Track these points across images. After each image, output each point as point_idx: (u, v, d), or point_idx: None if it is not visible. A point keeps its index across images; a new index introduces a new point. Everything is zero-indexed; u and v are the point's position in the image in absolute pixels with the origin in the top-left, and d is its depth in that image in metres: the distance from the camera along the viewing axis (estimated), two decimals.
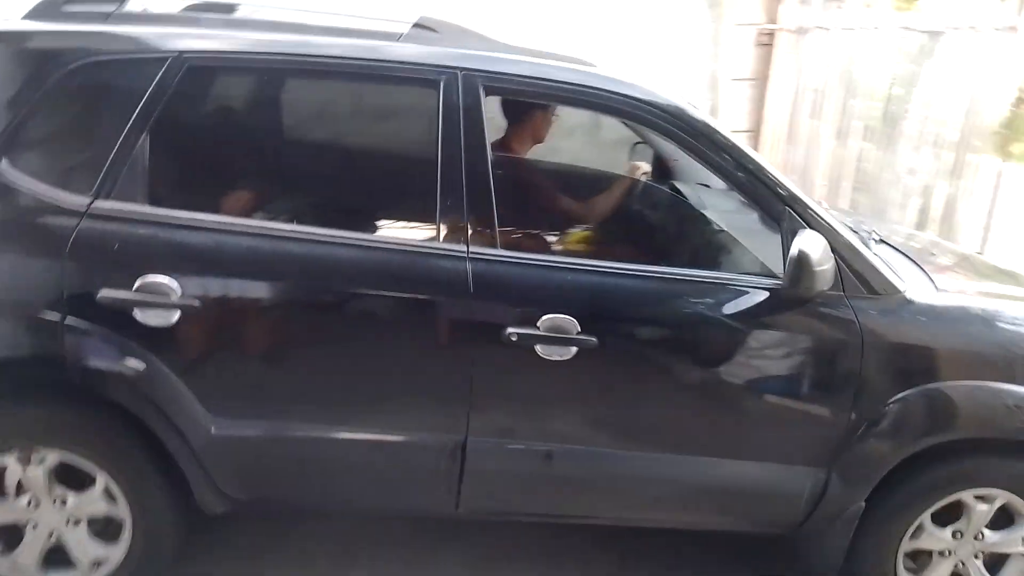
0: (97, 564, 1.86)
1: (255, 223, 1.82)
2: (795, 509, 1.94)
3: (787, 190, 1.88)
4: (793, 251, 1.69)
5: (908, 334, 1.86)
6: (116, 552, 1.86)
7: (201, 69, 1.81)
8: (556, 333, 1.73)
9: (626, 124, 2.24)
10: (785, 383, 1.90)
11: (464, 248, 1.77)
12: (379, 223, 1.99)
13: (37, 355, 1.76)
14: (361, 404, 1.86)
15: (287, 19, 2.00)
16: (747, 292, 1.84)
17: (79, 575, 1.86)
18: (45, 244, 1.72)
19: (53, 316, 1.68)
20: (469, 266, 1.76)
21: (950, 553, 1.98)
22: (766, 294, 1.83)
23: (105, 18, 1.83)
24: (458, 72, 1.80)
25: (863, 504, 1.91)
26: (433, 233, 1.81)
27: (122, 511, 1.83)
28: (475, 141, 1.80)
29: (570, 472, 1.89)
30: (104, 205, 1.72)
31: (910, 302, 1.85)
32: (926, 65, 3.71)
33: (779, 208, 1.84)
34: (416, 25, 1.93)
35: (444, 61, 1.82)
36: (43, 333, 1.71)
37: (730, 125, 3.74)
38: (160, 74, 1.75)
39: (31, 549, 1.83)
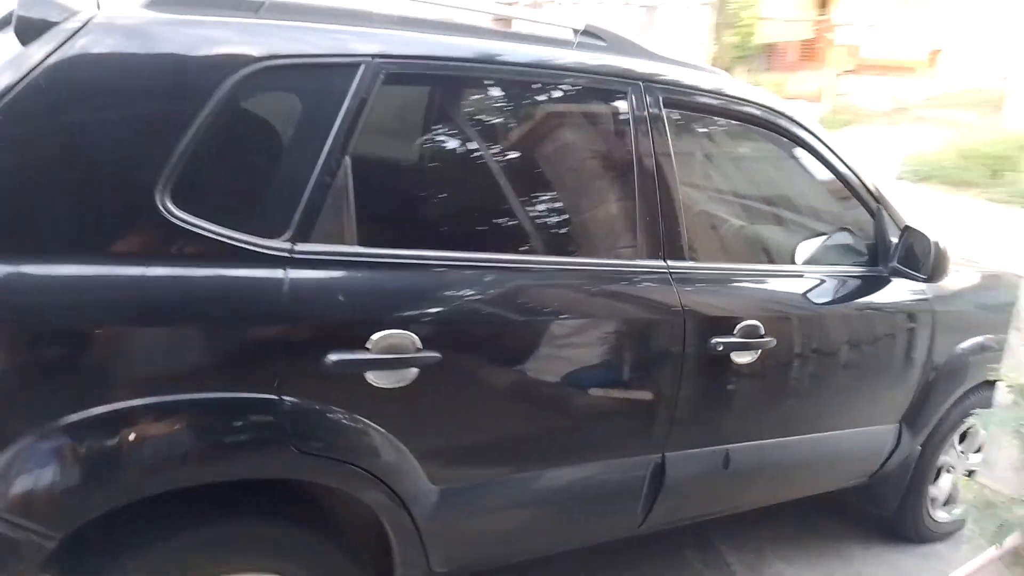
0: None
1: (481, 255, 1.61)
2: (878, 461, 2.31)
3: (878, 190, 2.19)
4: (933, 246, 2.05)
5: (952, 305, 2.30)
6: None
7: (398, 76, 1.51)
8: (748, 338, 1.83)
9: (764, 136, 2.14)
10: (895, 357, 2.24)
11: (664, 264, 1.75)
12: (583, 244, 1.86)
13: (253, 448, 1.41)
14: (577, 438, 1.76)
15: (447, 18, 1.79)
16: (877, 281, 2.15)
17: None
18: (245, 305, 1.36)
19: (265, 396, 1.35)
20: (674, 283, 1.75)
21: (952, 469, 2.56)
22: (892, 281, 2.15)
23: (256, 9, 1.43)
24: (641, 83, 1.75)
25: (919, 448, 2.36)
26: (633, 251, 1.76)
27: None
28: (664, 153, 1.76)
29: (743, 468, 1.97)
30: (308, 248, 1.39)
31: (944, 282, 2.19)
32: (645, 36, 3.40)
33: (874, 206, 2.16)
34: (584, 32, 1.80)
35: (631, 71, 1.76)
36: (255, 421, 1.38)
37: None
38: (355, 83, 1.43)
39: None
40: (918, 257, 2.08)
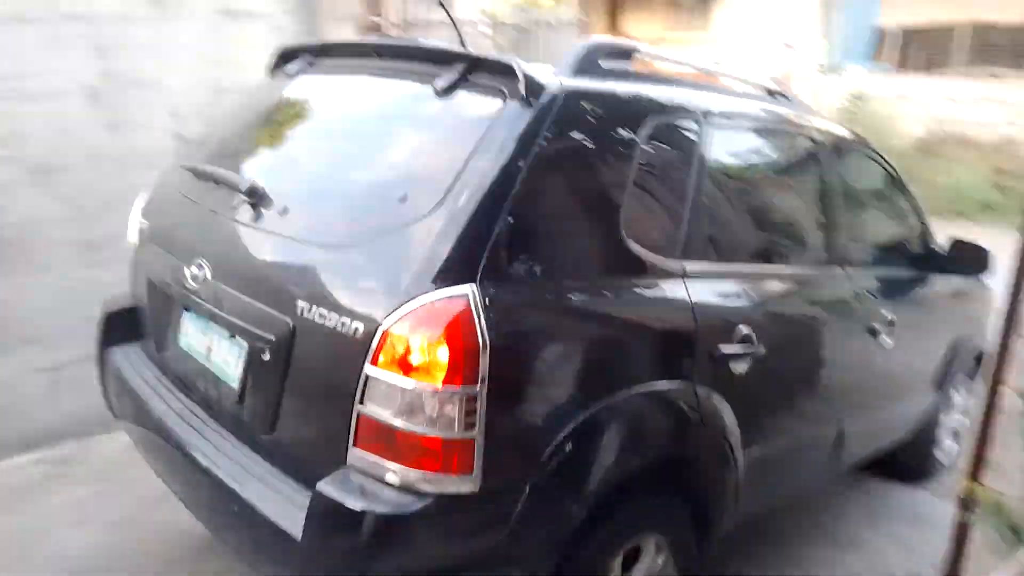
0: None
1: (790, 268, 2.24)
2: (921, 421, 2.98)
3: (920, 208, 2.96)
4: (985, 251, 2.81)
5: (961, 290, 3.05)
6: None
7: (717, 126, 1.96)
8: (888, 324, 2.51)
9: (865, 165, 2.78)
10: (952, 332, 3.02)
11: (843, 270, 2.47)
12: (839, 254, 2.44)
13: (681, 429, 1.80)
14: (834, 409, 2.42)
15: (726, 82, 2.32)
16: (944, 278, 2.92)
17: None
18: (673, 311, 1.75)
19: (684, 384, 1.76)
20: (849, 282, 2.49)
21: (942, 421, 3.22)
22: (954, 277, 2.93)
23: (627, 76, 1.82)
24: (816, 135, 2.43)
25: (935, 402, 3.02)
26: (826, 256, 2.39)
27: (668, 568, 1.86)
28: (835, 184, 2.44)
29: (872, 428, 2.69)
30: (691, 266, 1.80)
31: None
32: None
33: (921, 221, 2.95)
34: (774, 93, 2.42)
35: (812, 126, 2.45)
36: (684, 407, 1.76)
37: None
38: (698, 133, 1.88)
39: None
40: (977, 260, 2.83)
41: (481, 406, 1.38)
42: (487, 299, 1.40)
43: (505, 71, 1.58)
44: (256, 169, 1.95)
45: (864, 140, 2.77)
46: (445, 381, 1.36)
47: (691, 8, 17.69)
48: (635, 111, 1.77)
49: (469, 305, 1.38)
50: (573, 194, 1.65)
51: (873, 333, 2.44)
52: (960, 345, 3.04)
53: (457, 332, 1.37)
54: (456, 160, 1.51)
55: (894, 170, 2.84)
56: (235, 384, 1.71)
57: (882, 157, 2.78)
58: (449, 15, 2.40)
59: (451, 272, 1.40)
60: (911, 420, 2.92)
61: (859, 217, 2.63)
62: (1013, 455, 1.54)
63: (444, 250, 1.41)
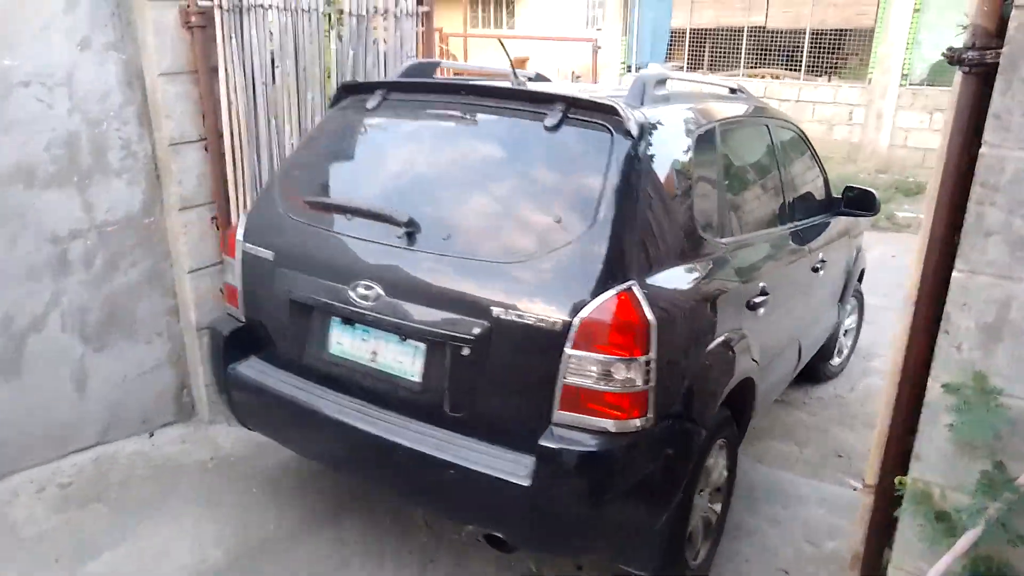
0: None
1: (773, 230, 2.92)
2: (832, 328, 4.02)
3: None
4: (873, 193, 3.62)
5: (847, 225, 3.82)
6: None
7: (726, 127, 2.66)
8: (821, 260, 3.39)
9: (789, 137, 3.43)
10: (846, 260, 3.96)
11: (790, 224, 3.18)
12: (791, 213, 3.19)
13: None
14: (815, 328, 3.59)
15: (712, 91, 3.06)
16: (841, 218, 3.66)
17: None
18: (729, 280, 2.42)
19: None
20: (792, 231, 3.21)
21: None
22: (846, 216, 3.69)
23: (667, 100, 2.42)
24: (767, 118, 3.22)
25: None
26: (777, 217, 3.07)
27: (724, 457, 2.54)
28: (780, 157, 3.19)
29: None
30: (727, 242, 2.44)
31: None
32: (359, 48, 3.53)
33: (824, 175, 3.70)
34: (738, 90, 3.15)
35: (765, 112, 3.29)
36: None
37: (173, 134, 2.97)
38: (717, 135, 2.55)
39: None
40: (870, 200, 3.59)
41: (652, 367, 1.90)
42: (644, 290, 1.91)
43: (607, 110, 2.08)
44: (397, 199, 2.23)
45: (785, 115, 3.55)
46: (629, 353, 1.88)
47: (496, 5, 17.96)
48: (685, 127, 2.38)
49: (637, 296, 1.89)
50: (668, 199, 2.18)
51: (815, 271, 3.25)
52: (851, 269, 3.98)
53: (633, 317, 1.87)
54: (593, 187, 2.00)
55: (805, 137, 3.57)
56: (415, 378, 2.12)
57: (798, 127, 3.53)
58: (507, 56, 2.65)
59: (617, 273, 1.91)
60: (829, 329, 3.84)
61: (798, 179, 3.36)
62: (935, 446, 1.58)
63: (608, 258, 1.92)
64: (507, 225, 2.11)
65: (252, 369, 2.45)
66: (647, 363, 1.91)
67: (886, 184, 9.41)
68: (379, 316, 2.13)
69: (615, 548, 2.24)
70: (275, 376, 2.40)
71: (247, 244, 2.44)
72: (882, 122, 9.99)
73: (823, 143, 10.26)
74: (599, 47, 12.19)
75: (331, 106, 2.67)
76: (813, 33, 10.29)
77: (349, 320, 2.24)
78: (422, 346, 2.12)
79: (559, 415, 1.93)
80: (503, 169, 2.22)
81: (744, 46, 10.88)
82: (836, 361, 4.22)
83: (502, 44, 2.67)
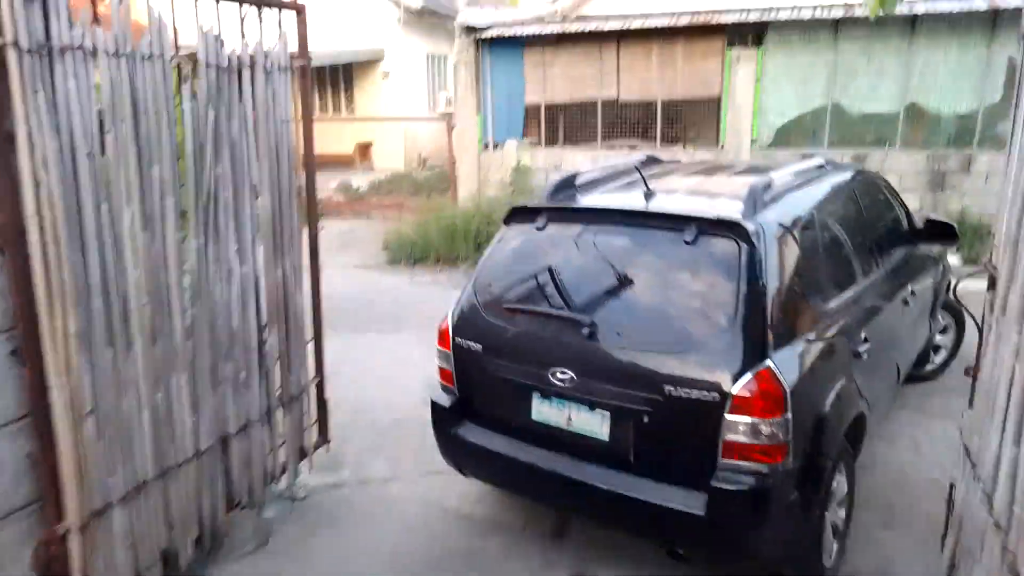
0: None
1: (866, 280, 3.57)
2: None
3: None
4: (952, 225, 4.47)
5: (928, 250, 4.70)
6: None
7: (819, 211, 3.42)
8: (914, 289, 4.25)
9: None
10: (932, 280, 4.66)
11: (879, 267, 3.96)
12: (881, 261, 3.93)
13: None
14: (894, 355, 4.04)
15: (806, 171, 3.79)
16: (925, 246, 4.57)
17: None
18: (839, 336, 3.15)
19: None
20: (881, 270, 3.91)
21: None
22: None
23: (773, 201, 3.15)
24: (855, 176, 4.19)
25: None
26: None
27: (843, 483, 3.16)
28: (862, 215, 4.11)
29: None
30: (835, 304, 3.17)
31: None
32: (220, 109, 2.81)
33: (907, 212, 4.54)
34: (823, 165, 4.06)
35: (851, 171, 4.21)
36: None
37: None
38: (816, 217, 3.32)
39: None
40: (948, 231, 4.38)
41: (790, 423, 2.59)
42: (779, 363, 2.61)
43: (732, 226, 2.76)
44: (579, 305, 2.95)
45: (858, 166, 4.41)
46: (773, 415, 2.57)
47: (334, 89, 17.34)
48: (792, 220, 3.01)
49: (774, 371, 2.59)
50: (786, 286, 2.81)
51: (905, 303, 3.89)
52: (937, 287, 4.68)
53: (772, 388, 2.57)
54: (729, 287, 2.72)
55: (884, 180, 4.43)
56: (604, 437, 2.85)
57: (875, 175, 4.40)
58: (643, 178, 3.35)
59: (757, 355, 2.61)
60: (923, 343, 4.60)
61: (882, 224, 4.04)
62: None
63: (750, 343, 2.63)
64: (667, 320, 2.79)
65: (469, 432, 3.24)
66: (786, 421, 2.57)
67: None
68: (574, 392, 2.85)
69: (768, 557, 2.83)
70: (489, 438, 3.18)
71: (458, 339, 3.21)
72: None
73: None
74: (454, 125, 11.86)
75: (505, 222, 3.38)
76: (664, 104, 10.53)
77: (547, 395, 2.94)
78: (607, 413, 2.81)
79: (722, 462, 2.61)
80: (657, 276, 2.91)
81: (600, 119, 10.94)
82: (931, 367, 5.08)
83: (639, 172, 3.51)
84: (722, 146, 10.28)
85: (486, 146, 11.61)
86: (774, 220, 2.91)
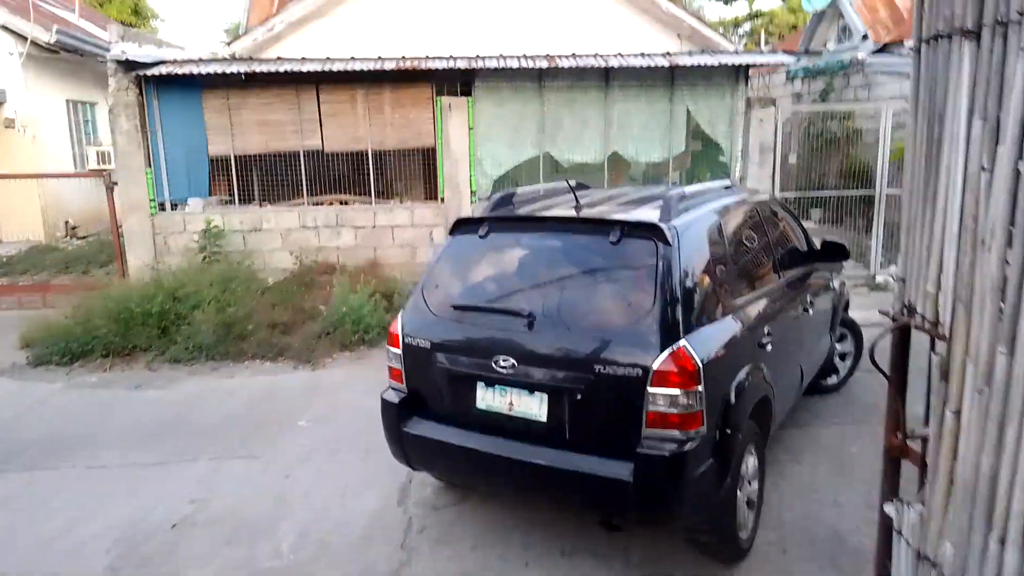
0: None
1: (770, 286, 4.20)
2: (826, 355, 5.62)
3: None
4: (844, 245, 5.15)
5: (827, 269, 5.43)
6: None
7: (729, 213, 4.15)
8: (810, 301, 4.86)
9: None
10: (831, 298, 5.45)
11: (780, 274, 4.54)
12: (785, 267, 4.66)
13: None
14: (797, 354, 4.58)
15: (715, 191, 4.39)
16: (823, 264, 5.28)
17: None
18: (744, 329, 3.68)
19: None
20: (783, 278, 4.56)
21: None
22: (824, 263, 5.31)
23: (689, 209, 3.71)
24: (762, 203, 4.86)
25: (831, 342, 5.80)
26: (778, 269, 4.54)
27: (754, 462, 3.69)
28: (772, 230, 4.82)
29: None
30: (740, 301, 3.71)
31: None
32: None
33: (806, 234, 5.20)
34: (729, 186, 4.73)
35: (756, 194, 4.96)
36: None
37: None
38: (724, 220, 4.01)
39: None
40: (841, 250, 5.08)
41: (702, 396, 3.05)
42: (692, 343, 3.09)
43: (651, 227, 3.31)
44: (519, 299, 3.46)
45: (767, 194, 5.31)
46: (689, 387, 3.02)
47: None
48: (702, 225, 3.61)
49: (689, 349, 3.06)
50: (697, 280, 3.33)
51: (805, 310, 4.58)
52: (836, 303, 5.31)
53: (688, 363, 3.03)
54: (650, 281, 3.18)
55: (786, 207, 5.24)
56: (542, 418, 3.28)
57: (779, 201, 5.25)
58: (574, 192, 4.06)
59: (674, 336, 3.08)
60: (825, 353, 5.23)
61: (783, 241, 4.71)
62: None
63: (669, 325, 3.10)
64: (597, 309, 3.30)
65: (418, 425, 3.67)
66: (699, 392, 3.05)
67: None
68: (515, 378, 3.33)
69: (690, 518, 3.27)
70: (439, 430, 3.60)
71: (407, 337, 3.68)
72: None
73: (410, 268, 9.51)
74: (114, 183, 9.55)
75: (450, 233, 3.92)
76: (376, 155, 9.63)
77: (491, 382, 3.41)
78: (545, 395, 3.28)
79: (646, 431, 3.08)
80: (587, 271, 3.46)
81: (304, 172, 9.63)
82: (833, 380, 5.74)
83: (568, 184, 4.20)
84: (442, 199, 9.68)
85: (161, 206, 9.51)
86: (687, 223, 3.44)
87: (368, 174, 9.63)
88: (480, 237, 3.69)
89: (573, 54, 9.78)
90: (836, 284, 5.43)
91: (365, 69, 9.04)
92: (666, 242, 3.22)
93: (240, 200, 9.74)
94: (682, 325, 3.10)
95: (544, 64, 9.19)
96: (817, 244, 5.12)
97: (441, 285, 3.72)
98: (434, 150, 9.64)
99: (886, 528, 2.39)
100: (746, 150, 9.75)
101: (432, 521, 4.12)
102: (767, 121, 9.67)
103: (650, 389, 3.00)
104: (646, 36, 11.70)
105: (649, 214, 3.45)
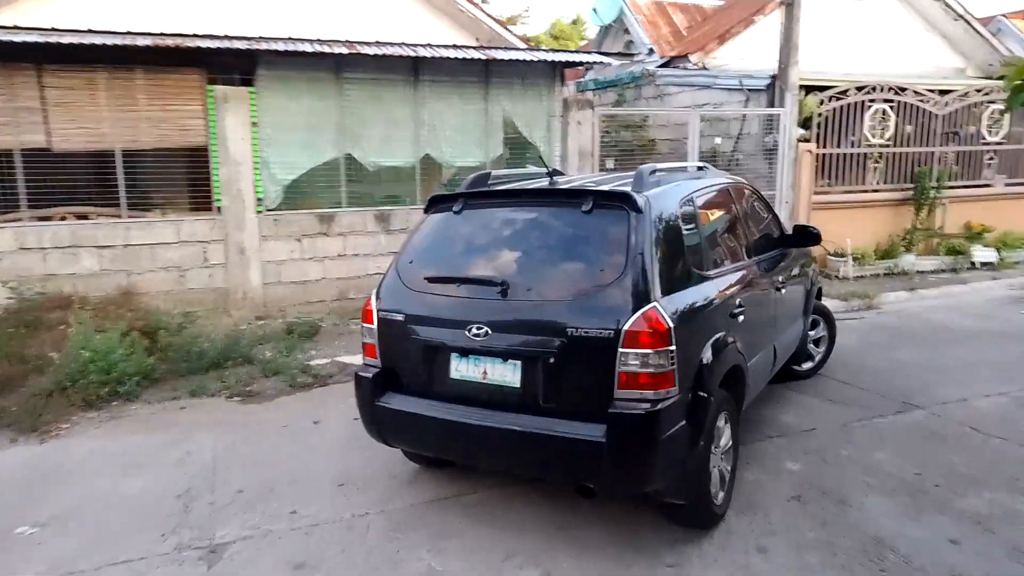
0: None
1: (742, 263, 4.31)
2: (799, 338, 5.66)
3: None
4: (815, 229, 5.37)
5: (800, 253, 5.61)
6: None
7: (702, 192, 4.18)
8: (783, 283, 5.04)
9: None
10: (805, 281, 5.66)
11: (752, 258, 4.65)
12: (755, 250, 4.70)
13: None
14: (770, 332, 4.67)
15: (687, 170, 4.60)
16: (796, 249, 5.46)
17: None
18: (715, 299, 3.76)
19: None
20: (756, 264, 4.62)
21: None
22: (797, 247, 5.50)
23: (659, 183, 3.82)
24: (729, 183, 4.88)
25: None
26: (746, 251, 4.56)
27: (727, 434, 3.74)
28: (740, 209, 4.85)
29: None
30: (712, 273, 3.82)
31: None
32: None
33: (776, 219, 5.39)
34: (702, 167, 4.88)
35: (728, 178, 5.02)
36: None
37: None
38: (695, 199, 4.11)
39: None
40: (813, 235, 5.24)
41: (674, 355, 3.11)
42: (663, 306, 3.15)
43: (623, 197, 3.39)
44: (492, 269, 3.49)
45: (740, 180, 5.17)
46: (659, 347, 3.07)
47: None
48: (673, 199, 3.70)
49: (660, 311, 3.12)
50: (668, 248, 3.43)
51: (778, 289, 4.68)
52: (809, 288, 5.65)
53: (659, 324, 3.09)
54: (621, 246, 3.26)
55: (758, 193, 5.29)
56: (516, 385, 3.30)
57: (751, 187, 5.22)
58: (546, 165, 4.38)
59: (646, 298, 3.13)
60: (798, 336, 5.45)
61: (756, 223, 4.88)
62: None
63: (640, 289, 3.15)
64: (569, 276, 3.34)
65: (391, 399, 3.65)
66: (670, 352, 3.10)
67: (277, 332, 7.40)
68: (489, 346, 3.33)
69: (664, 479, 3.25)
70: (414, 403, 3.58)
71: (382, 312, 3.70)
72: (247, 258, 7.97)
73: (179, 296, 7.59)
74: None
75: (425, 211, 3.98)
76: (128, 156, 7.54)
77: (465, 352, 3.41)
78: (519, 362, 3.30)
79: (619, 392, 3.09)
80: (560, 240, 3.52)
81: (23, 177, 7.26)
82: (808, 365, 5.98)
83: (542, 159, 5.45)
84: (219, 209, 7.84)
85: None
86: (657, 194, 3.58)
87: (117, 180, 7.50)
88: (455, 212, 3.77)
89: (377, 41, 8.52)
90: (808, 270, 5.64)
91: (109, 44, 6.99)
92: (637, 210, 3.33)
93: None
94: (653, 290, 3.17)
95: (343, 50, 7.82)
96: (789, 229, 5.37)
97: (416, 260, 3.78)
98: (206, 150, 7.78)
99: None
100: (565, 154, 9.16)
101: None
102: (585, 124, 9.17)
103: (621, 350, 3.07)
104: (445, 39, 10.76)
105: (622, 186, 3.61)
